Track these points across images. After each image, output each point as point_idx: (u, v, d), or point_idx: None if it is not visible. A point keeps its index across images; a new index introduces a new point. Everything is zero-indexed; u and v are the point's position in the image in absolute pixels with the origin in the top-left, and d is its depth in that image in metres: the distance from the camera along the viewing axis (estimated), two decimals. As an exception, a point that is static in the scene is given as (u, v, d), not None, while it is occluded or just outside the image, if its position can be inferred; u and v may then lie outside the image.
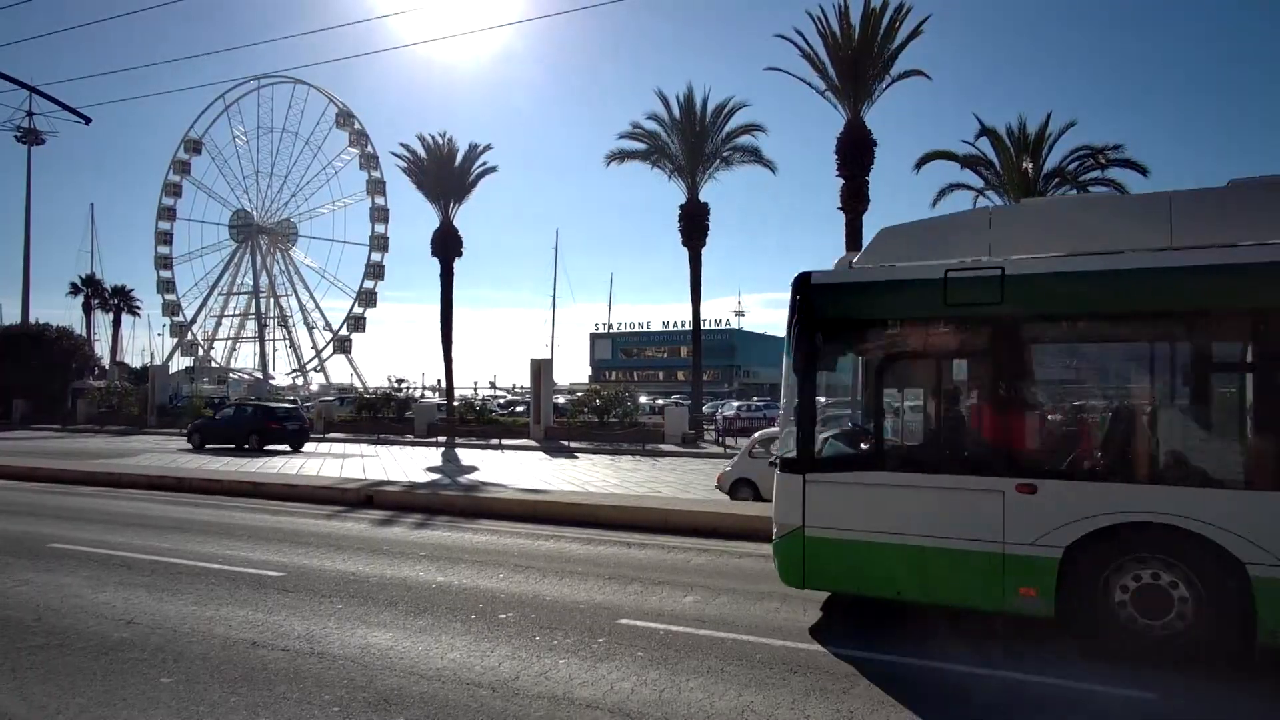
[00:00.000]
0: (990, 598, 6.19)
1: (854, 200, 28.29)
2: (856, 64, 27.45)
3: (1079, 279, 6.18)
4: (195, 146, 70.85)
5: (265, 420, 26.91)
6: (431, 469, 20.97)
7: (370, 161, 65.91)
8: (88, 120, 14.71)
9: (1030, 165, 27.72)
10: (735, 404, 46.30)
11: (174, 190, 71.09)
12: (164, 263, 72.32)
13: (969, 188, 29.28)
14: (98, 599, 7.53)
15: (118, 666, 5.69)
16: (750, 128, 33.11)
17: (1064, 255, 6.34)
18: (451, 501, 13.82)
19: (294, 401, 44.04)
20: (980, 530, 6.15)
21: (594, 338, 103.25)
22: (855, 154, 28.31)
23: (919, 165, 29.43)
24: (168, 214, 71.42)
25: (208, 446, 27.11)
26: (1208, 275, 5.76)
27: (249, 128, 71.48)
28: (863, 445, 7.15)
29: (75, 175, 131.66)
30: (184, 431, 30.70)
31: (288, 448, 26.85)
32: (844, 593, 7.23)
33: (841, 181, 28.48)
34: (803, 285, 7.02)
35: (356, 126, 66.73)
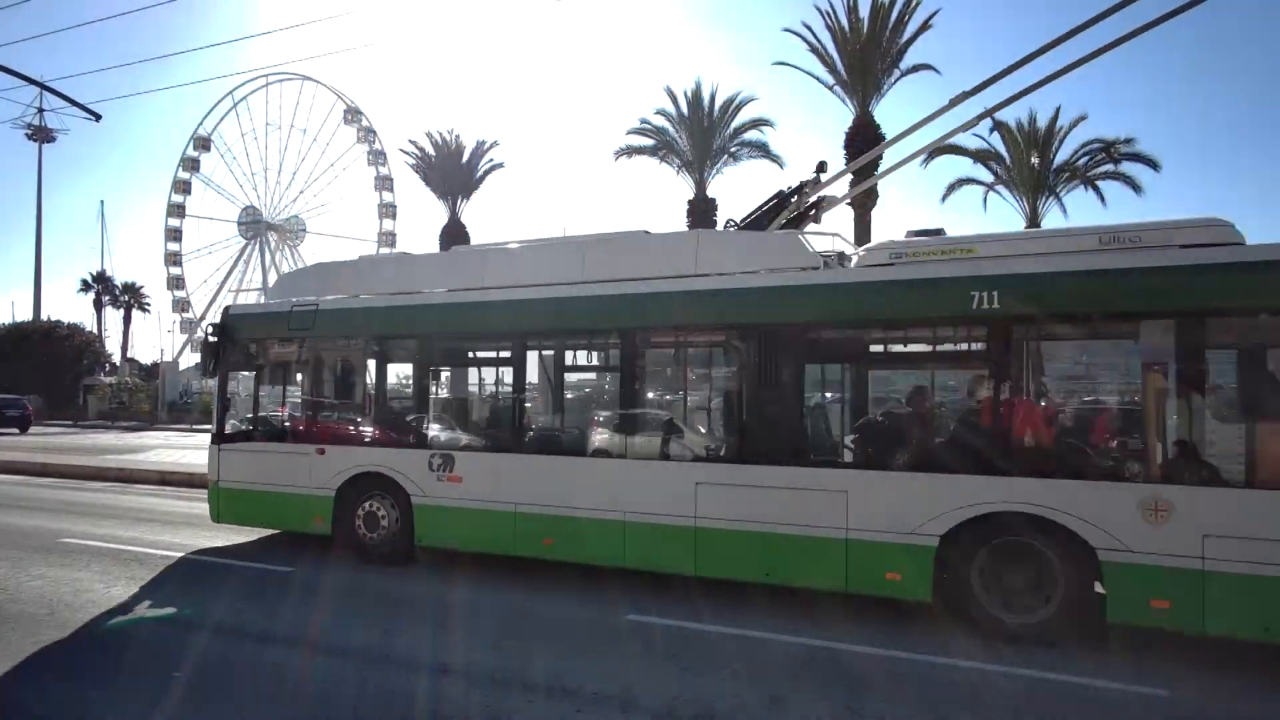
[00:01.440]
0: (305, 523, 9.22)
1: (862, 195, 28.15)
2: (865, 58, 27.30)
3: (351, 313, 9.40)
4: (204, 143, 70.94)
5: None
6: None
7: (378, 158, 65.85)
8: (98, 117, 14.72)
9: (1039, 160, 27.52)
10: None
11: (183, 187, 71.13)
12: (174, 259, 72.53)
13: (979, 183, 29.11)
14: (110, 593, 7.59)
15: (130, 660, 5.74)
16: (758, 122, 32.96)
17: (348, 295, 9.47)
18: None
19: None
20: (299, 480, 9.17)
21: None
22: (863, 148, 28.12)
23: (927, 160, 29.24)
24: (177, 211, 71.45)
25: None
26: (405, 312, 9.03)
27: (257, 124, 71.64)
28: (248, 426, 10.06)
29: (85, 172, 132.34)
30: (191, 427, 33.23)
31: (16, 430, 33.32)
32: (240, 525, 10.13)
33: (850, 176, 28.36)
34: (223, 314, 10.26)
35: (364, 123, 66.66)
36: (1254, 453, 5.66)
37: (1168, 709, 5.07)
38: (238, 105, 70.62)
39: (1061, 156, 27.97)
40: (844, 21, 27.41)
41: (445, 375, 9.92)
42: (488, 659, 5.76)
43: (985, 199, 29.06)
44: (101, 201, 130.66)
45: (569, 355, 8.79)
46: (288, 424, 9.83)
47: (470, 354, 9.84)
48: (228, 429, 9.94)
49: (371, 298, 9.31)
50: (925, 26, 27.10)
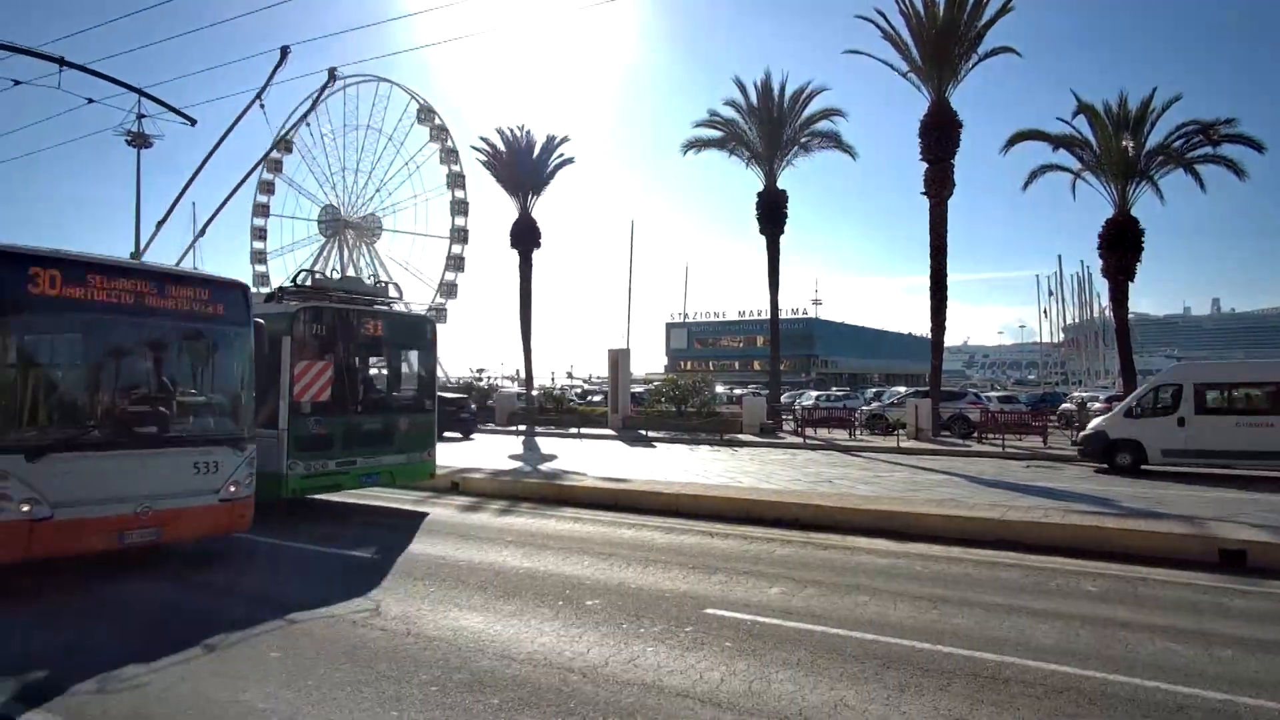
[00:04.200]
0: None
1: (938, 185, 27.34)
2: (941, 43, 26.44)
3: None
4: (286, 145, 73.65)
5: None
6: (513, 456, 21.35)
7: (450, 156, 67.11)
8: (193, 121, 15.44)
9: (1131, 143, 26.10)
10: (814, 394, 45.51)
11: (267, 188, 74.08)
12: (259, 258, 75.54)
13: (1064, 169, 27.81)
14: (201, 578, 7.96)
15: (229, 641, 6.03)
16: (829, 112, 32.28)
17: None
18: (534, 489, 14.07)
19: None
20: None
21: (670, 327, 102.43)
22: (939, 136, 27.32)
23: (1007, 146, 28.10)
24: (262, 210, 74.46)
25: None
26: None
27: (335, 125, 73.82)
28: None
29: (177, 175, 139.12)
30: None
31: None
32: None
33: (925, 165, 27.56)
34: None
35: (437, 122, 68.00)
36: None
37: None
38: (317, 107, 72.64)
39: (1155, 139, 26.51)
40: (919, 6, 26.61)
41: None
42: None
43: (1074, 186, 27.77)
44: (193, 204, 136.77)
45: None
46: None
47: None
48: None
49: None
50: (1006, 8, 26.08)
